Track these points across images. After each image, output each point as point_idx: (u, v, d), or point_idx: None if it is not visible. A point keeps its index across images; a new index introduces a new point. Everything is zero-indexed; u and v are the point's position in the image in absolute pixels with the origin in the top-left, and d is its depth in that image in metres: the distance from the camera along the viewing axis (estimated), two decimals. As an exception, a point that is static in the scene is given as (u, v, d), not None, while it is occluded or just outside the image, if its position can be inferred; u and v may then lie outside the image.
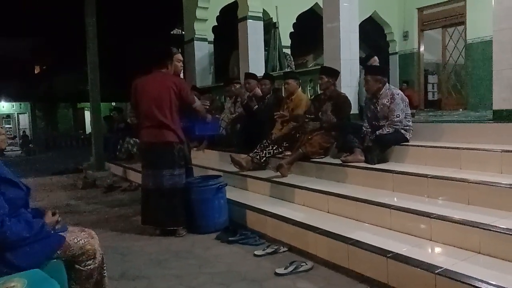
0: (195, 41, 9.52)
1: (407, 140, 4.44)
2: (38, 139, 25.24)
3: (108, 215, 5.38)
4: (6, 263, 1.99)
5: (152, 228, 4.41)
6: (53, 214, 2.28)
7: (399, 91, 4.56)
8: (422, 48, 11.25)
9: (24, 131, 26.66)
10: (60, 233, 2.23)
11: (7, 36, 24.41)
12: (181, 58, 4.58)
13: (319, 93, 5.59)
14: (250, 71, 7.15)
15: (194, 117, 4.57)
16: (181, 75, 4.97)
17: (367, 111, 4.70)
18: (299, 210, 4.17)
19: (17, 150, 22.26)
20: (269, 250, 3.67)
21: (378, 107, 4.50)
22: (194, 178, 4.64)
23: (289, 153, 5.18)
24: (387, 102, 4.42)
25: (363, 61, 5.94)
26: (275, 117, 5.40)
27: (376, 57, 5.96)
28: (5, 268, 1.97)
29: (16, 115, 27.84)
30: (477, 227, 2.84)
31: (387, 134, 4.36)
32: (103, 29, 8.98)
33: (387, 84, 4.55)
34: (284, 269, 3.23)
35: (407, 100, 4.56)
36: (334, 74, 5.17)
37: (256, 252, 3.65)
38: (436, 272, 2.55)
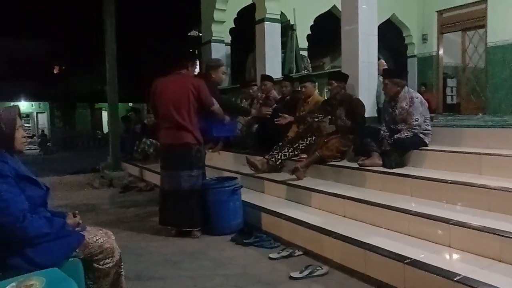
0: (212, 43, 9.55)
1: (426, 145, 4.37)
2: (56, 139, 25.65)
3: (124, 215, 5.43)
4: (27, 259, 2.01)
5: (167, 229, 4.44)
6: (74, 215, 2.31)
7: (419, 94, 4.49)
8: (441, 51, 11.10)
9: (42, 131, 27.13)
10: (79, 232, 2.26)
11: (27, 38, 24.96)
12: (225, 71, 4.70)
13: (327, 98, 5.56)
14: (266, 73, 7.14)
15: (212, 118, 4.59)
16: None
17: (385, 114, 4.65)
18: (315, 213, 4.14)
19: (36, 149, 22.62)
20: (284, 253, 3.65)
21: (396, 111, 4.44)
22: (210, 180, 4.65)
23: (305, 156, 5.15)
24: (406, 105, 4.36)
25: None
26: (277, 122, 5.36)
27: (382, 60, 5.88)
28: (25, 264, 1.99)
29: (35, 115, 28.32)
30: (498, 235, 2.78)
31: (406, 138, 4.29)
32: (120, 30, 9.07)
33: (406, 87, 4.49)
34: (299, 273, 3.20)
35: (427, 104, 4.49)
36: (343, 78, 5.13)
37: (271, 255, 3.63)
38: (455, 279, 2.50)
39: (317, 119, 5.15)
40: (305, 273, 3.19)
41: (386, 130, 4.54)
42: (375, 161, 4.37)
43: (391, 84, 4.43)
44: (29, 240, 2.01)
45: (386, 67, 5.79)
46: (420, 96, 4.45)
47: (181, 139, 4.26)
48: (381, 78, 5.51)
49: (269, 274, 3.28)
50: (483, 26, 9.62)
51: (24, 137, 2.20)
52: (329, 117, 5.22)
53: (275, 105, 6.05)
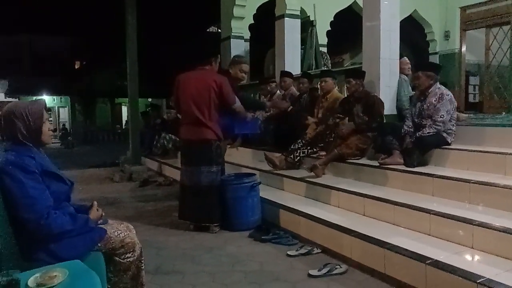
0: (231, 39, 9.52)
1: (449, 144, 4.29)
2: (77, 133, 26.08)
3: (143, 209, 5.49)
4: (50, 253, 2.05)
5: (185, 223, 4.47)
6: (97, 209, 2.33)
7: (450, 92, 4.37)
8: (464, 48, 10.86)
9: (63, 125, 27.58)
10: (101, 226, 2.28)
11: (49, 34, 25.40)
12: (247, 70, 4.69)
13: (345, 96, 5.50)
14: (286, 69, 7.11)
15: (234, 116, 4.59)
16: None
17: (412, 108, 4.56)
18: (333, 211, 4.11)
19: (57, 143, 23.03)
20: (302, 250, 3.64)
21: (424, 105, 4.35)
22: (228, 175, 4.66)
23: (323, 153, 5.12)
24: (434, 101, 4.26)
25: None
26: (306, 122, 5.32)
27: (406, 58, 5.78)
28: (48, 257, 2.02)
29: (56, 109, 28.79)
30: (523, 237, 2.72)
31: (428, 135, 4.21)
32: (141, 26, 9.15)
33: (438, 83, 4.41)
34: (318, 271, 3.19)
35: (456, 103, 4.39)
36: (361, 75, 5.08)
37: (289, 252, 3.63)
38: (478, 281, 2.45)
39: (338, 120, 5.08)
40: (324, 271, 3.18)
41: (410, 126, 4.46)
42: (396, 159, 4.31)
43: (424, 77, 4.35)
44: (52, 236, 2.04)
45: (410, 65, 5.70)
46: (451, 94, 4.35)
47: (201, 135, 4.28)
48: (403, 76, 5.45)
49: (287, 272, 3.27)
50: (508, 22, 9.39)
51: (51, 130, 2.23)
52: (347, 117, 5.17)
53: (290, 107, 6.01)
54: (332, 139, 5.16)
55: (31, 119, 2.10)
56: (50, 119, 2.68)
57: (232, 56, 4.72)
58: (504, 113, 8.66)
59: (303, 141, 5.33)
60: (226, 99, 4.35)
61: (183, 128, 4.46)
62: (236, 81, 4.83)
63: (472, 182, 3.48)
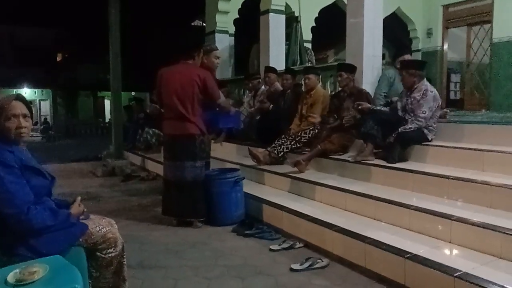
0: (216, 33, 9.49)
1: (428, 141, 4.36)
2: (59, 126, 25.73)
3: (126, 204, 5.46)
4: (30, 248, 2.03)
5: (169, 218, 4.46)
6: (79, 205, 2.31)
7: (435, 90, 4.42)
8: (446, 46, 11.02)
9: (45, 118, 27.19)
10: (82, 221, 2.27)
11: (31, 25, 24.88)
12: (220, 55, 4.65)
13: (338, 90, 5.53)
14: (270, 65, 7.12)
15: (218, 110, 4.59)
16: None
17: (401, 100, 4.60)
18: (316, 206, 4.15)
19: (38, 136, 22.67)
20: (284, 245, 3.67)
21: (409, 100, 4.42)
22: (212, 170, 4.66)
23: (307, 149, 5.15)
24: (418, 96, 4.32)
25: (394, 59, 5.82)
26: (316, 122, 5.22)
27: (409, 55, 5.81)
28: (28, 253, 2.01)
29: (38, 102, 28.33)
30: (499, 231, 2.79)
31: (410, 131, 4.26)
32: (124, 19, 9.05)
33: (425, 80, 4.46)
34: (300, 265, 3.23)
35: (440, 101, 4.45)
36: (353, 70, 5.11)
37: (271, 247, 3.66)
38: (455, 275, 2.52)
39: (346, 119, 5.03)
40: (306, 265, 3.22)
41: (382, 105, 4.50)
42: (366, 155, 4.38)
43: (407, 75, 4.41)
44: (33, 231, 2.03)
45: None
46: (436, 92, 4.39)
47: (185, 130, 4.26)
48: (390, 74, 5.48)
49: (270, 266, 3.30)
50: (489, 21, 9.54)
51: (21, 127, 2.10)
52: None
53: (271, 106, 6.04)
54: (315, 135, 5.20)
55: None
56: (24, 114, 2.49)
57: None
58: (484, 110, 8.85)
59: (287, 137, 5.36)
60: (211, 94, 4.34)
61: (166, 123, 4.43)
62: (214, 71, 4.82)
63: (451, 178, 3.55)
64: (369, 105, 4.69)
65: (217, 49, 4.90)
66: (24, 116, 2.12)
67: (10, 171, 1.99)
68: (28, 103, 2.21)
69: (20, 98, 2.16)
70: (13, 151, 2.05)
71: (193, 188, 4.31)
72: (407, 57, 5.57)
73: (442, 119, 4.80)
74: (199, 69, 4.41)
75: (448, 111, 5.65)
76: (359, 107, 4.62)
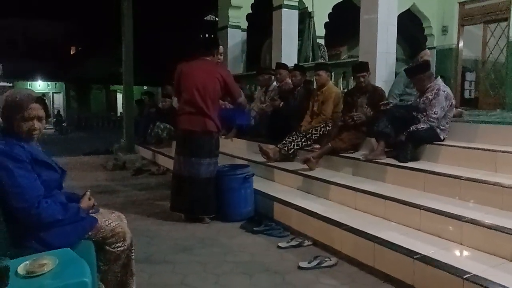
0: (228, 28, 9.47)
1: (441, 140, 4.30)
2: (71, 119, 25.99)
3: (136, 198, 5.49)
4: (40, 241, 2.05)
5: (178, 213, 4.46)
6: (89, 198, 2.33)
7: (448, 89, 4.36)
8: (461, 44, 10.87)
9: (58, 111, 27.42)
10: (92, 215, 2.29)
11: (45, 19, 25.10)
12: (223, 51, 4.65)
13: (352, 87, 5.46)
14: (282, 61, 7.08)
15: (235, 108, 4.60)
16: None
17: (416, 100, 4.56)
18: (325, 204, 4.13)
19: (51, 129, 22.91)
20: (293, 242, 3.67)
21: (421, 99, 4.36)
22: (222, 167, 4.66)
23: (317, 146, 5.13)
24: (430, 96, 4.27)
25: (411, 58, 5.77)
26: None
27: (427, 51, 5.74)
28: (38, 245, 2.03)
29: (51, 95, 28.60)
30: (510, 234, 2.75)
31: (422, 130, 4.22)
32: (137, 13, 9.06)
33: (438, 79, 4.41)
34: (308, 263, 3.22)
35: (454, 100, 4.39)
36: (368, 68, 5.06)
37: (280, 244, 3.65)
38: (464, 277, 2.49)
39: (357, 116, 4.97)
40: (314, 263, 3.21)
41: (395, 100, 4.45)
42: (377, 154, 4.34)
43: (418, 81, 4.40)
44: (43, 225, 2.04)
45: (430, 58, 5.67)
46: (449, 91, 4.34)
47: (204, 126, 4.24)
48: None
49: (278, 263, 3.30)
50: (506, 19, 9.38)
51: (34, 130, 2.09)
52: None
53: (281, 103, 6.01)
54: (326, 132, 5.18)
55: (5, 111, 2.06)
56: (40, 116, 2.40)
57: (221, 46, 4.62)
58: (498, 110, 8.70)
59: (298, 134, 5.34)
60: (233, 92, 4.39)
61: (183, 117, 4.35)
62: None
63: (463, 179, 3.51)
64: (391, 101, 4.66)
65: (221, 45, 4.83)
66: (39, 118, 2.12)
67: (20, 166, 2.00)
68: (46, 106, 2.19)
69: (39, 100, 2.13)
70: (24, 145, 2.06)
71: (207, 184, 4.31)
72: (425, 54, 5.50)
73: (459, 118, 4.74)
74: (219, 66, 4.44)
75: (464, 110, 5.57)
76: (385, 107, 4.59)
